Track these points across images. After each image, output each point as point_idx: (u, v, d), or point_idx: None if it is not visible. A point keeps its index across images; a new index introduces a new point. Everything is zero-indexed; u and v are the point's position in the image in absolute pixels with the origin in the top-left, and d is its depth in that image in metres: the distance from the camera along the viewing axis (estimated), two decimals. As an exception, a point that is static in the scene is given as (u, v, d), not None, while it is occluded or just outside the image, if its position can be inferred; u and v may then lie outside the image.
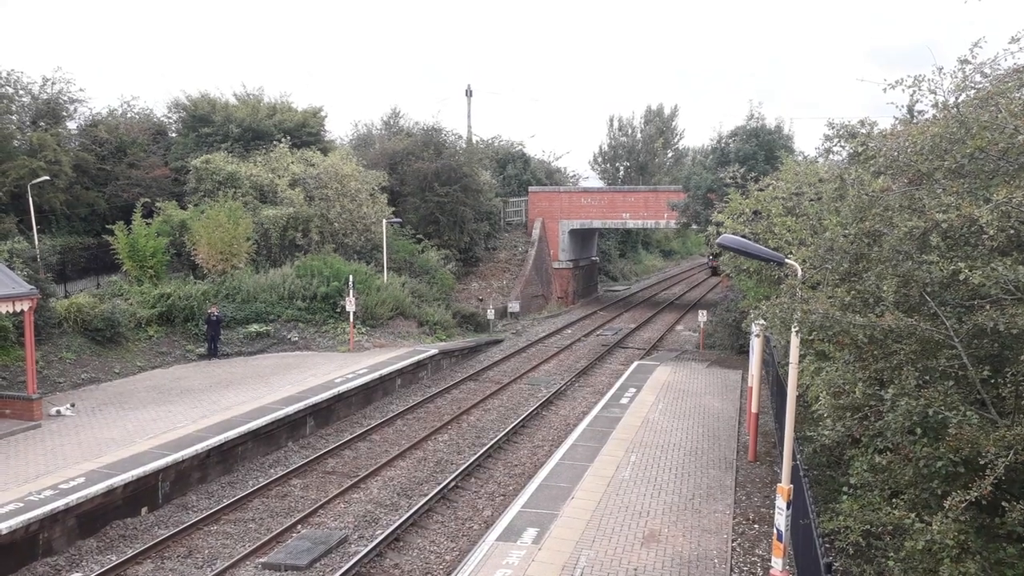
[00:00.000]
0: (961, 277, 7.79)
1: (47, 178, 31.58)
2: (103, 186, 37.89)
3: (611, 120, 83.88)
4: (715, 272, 53.19)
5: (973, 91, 10.32)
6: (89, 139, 38.96)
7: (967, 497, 7.06)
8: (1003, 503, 7.32)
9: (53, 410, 20.17)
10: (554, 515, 14.26)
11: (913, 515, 7.64)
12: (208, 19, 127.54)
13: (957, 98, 10.09)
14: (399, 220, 40.07)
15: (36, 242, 29.84)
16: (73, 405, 20.78)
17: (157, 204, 34.53)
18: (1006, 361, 8.22)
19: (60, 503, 14.12)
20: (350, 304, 29.48)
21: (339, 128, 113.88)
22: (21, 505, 13.95)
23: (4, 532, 13.02)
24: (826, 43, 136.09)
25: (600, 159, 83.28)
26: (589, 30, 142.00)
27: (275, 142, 40.59)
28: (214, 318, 28.05)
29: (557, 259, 50.69)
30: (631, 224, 51.40)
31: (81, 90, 38.22)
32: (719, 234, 15.99)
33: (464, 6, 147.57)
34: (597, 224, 51.40)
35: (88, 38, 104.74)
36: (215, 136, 41.83)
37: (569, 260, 51.82)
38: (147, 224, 31.61)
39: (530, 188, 52.86)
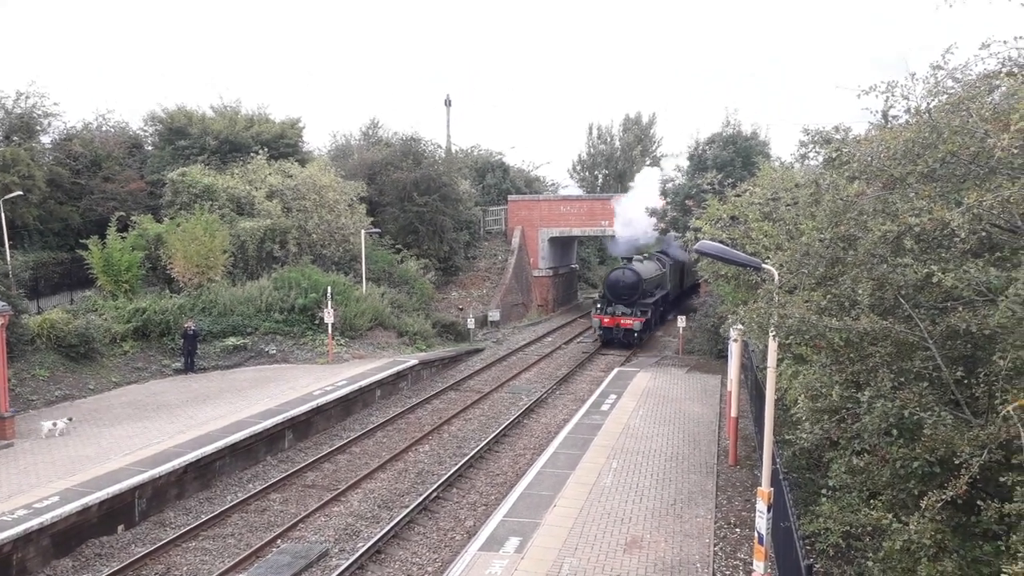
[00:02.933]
0: (934, 280, 7.87)
1: (20, 193, 31.21)
2: (77, 200, 37.50)
3: (590, 128, 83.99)
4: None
5: (945, 96, 10.46)
6: (63, 153, 38.55)
7: (943, 497, 7.11)
8: (978, 502, 7.38)
9: (46, 425, 19.49)
10: (536, 524, 14.22)
11: (891, 515, 7.69)
12: (187, 31, 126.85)
13: (929, 104, 10.22)
14: (378, 230, 39.94)
15: (8, 258, 29.46)
16: (71, 419, 20.20)
17: (132, 218, 34.18)
18: (979, 361, 8.32)
19: (34, 522, 13.88)
20: (328, 316, 29.33)
21: (317, 139, 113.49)
22: (-6, 525, 13.70)
23: (-24, 553, 12.77)
24: (826, 48, 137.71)
25: (579, 167, 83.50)
26: (569, 39, 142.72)
27: (252, 154, 40.37)
28: (191, 332, 27.78)
29: (537, 267, 50.76)
30: (610, 231, 51.58)
31: (55, 104, 37.89)
32: (697, 240, 16.11)
33: (442, 17, 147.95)
34: (576, 232, 51.53)
35: (61, 51, 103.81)
36: (192, 149, 41.57)
37: (549, 268, 51.92)
38: (122, 238, 31.27)
39: (509, 197, 52.92)
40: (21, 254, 32.13)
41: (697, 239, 16.81)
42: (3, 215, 29.96)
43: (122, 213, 33.61)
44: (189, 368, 27.76)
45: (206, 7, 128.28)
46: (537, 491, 16.04)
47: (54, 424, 19.42)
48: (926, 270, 8.14)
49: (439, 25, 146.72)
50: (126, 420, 21.13)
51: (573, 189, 74.75)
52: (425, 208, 42.80)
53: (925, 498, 7.24)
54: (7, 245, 30.13)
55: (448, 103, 57.90)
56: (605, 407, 23.55)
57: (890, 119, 13.23)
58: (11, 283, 26.26)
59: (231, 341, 29.52)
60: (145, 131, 45.77)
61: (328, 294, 29.81)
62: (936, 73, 10.62)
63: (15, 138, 35.05)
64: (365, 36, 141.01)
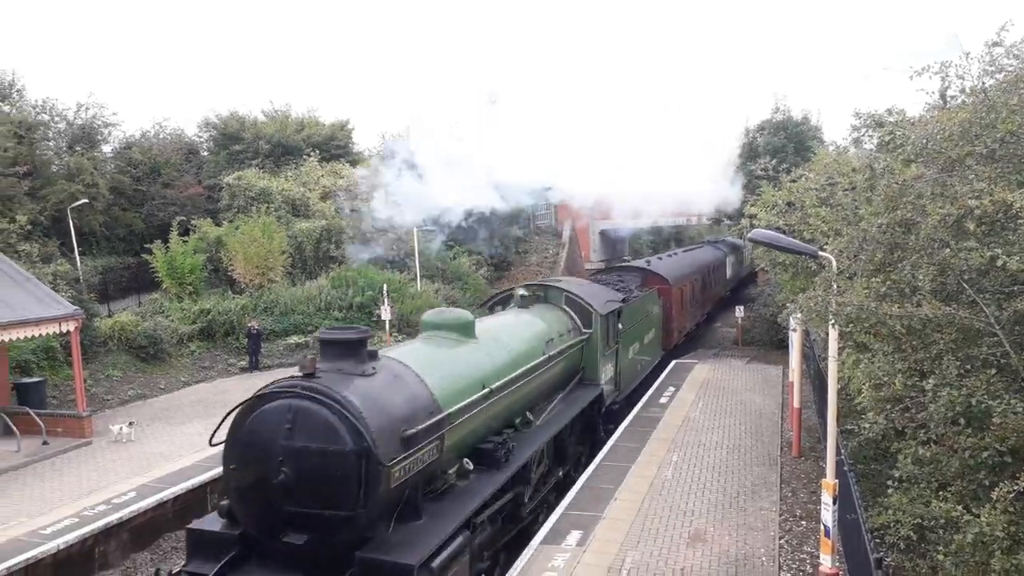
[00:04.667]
0: (999, 263, 7.68)
1: (85, 201, 32.37)
2: (139, 206, 38.76)
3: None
4: None
5: (1002, 74, 10.18)
6: (124, 161, 39.88)
7: (1015, 487, 6.96)
8: (1053, 491, 7.21)
9: (115, 429, 19.88)
10: (597, 517, 14.27)
11: (961, 507, 7.55)
12: (233, 37, 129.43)
13: (985, 83, 9.96)
14: (431, 228, 40.33)
15: (78, 264, 30.61)
16: (132, 423, 20.30)
17: (192, 222, 35.21)
18: (1050, 347, 8.11)
19: (113, 517, 14.49)
20: (385, 312, 29.75)
21: (367, 140, 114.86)
22: (77, 520, 14.35)
23: (63, 547, 13.39)
24: (860, 45, 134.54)
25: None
26: (612, 26, 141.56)
27: (304, 156, 41.13)
28: (254, 331, 28.49)
29: (589, 260, 50.59)
30: (662, 222, 51.09)
31: (114, 114, 39.34)
32: (752, 227, 15.92)
33: (482, 17, 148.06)
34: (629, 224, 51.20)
35: (115, 61, 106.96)
36: (246, 153, 42.56)
37: (601, 261, 51.69)
38: (184, 242, 32.23)
39: (559, 190, 52.83)
40: (90, 260, 33.38)
41: (752, 226, 16.62)
42: (71, 222, 31.11)
43: (183, 217, 34.63)
44: (254, 366, 28.48)
45: (251, 14, 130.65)
46: (597, 484, 16.08)
47: (120, 429, 19.96)
48: (990, 253, 7.95)
49: (480, 24, 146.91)
50: (196, 418, 21.82)
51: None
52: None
53: (996, 489, 7.10)
54: (76, 251, 31.29)
55: (493, 100, 57.95)
56: (664, 400, 23.43)
57: (948, 99, 12.92)
58: (83, 288, 27.30)
59: (293, 339, 30.17)
60: (200, 137, 47.05)
61: (384, 291, 30.26)
62: (992, 50, 10.33)
63: (78, 148, 36.33)
64: (410, 38, 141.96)
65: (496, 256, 44.73)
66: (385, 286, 30.72)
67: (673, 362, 29.60)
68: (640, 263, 33.69)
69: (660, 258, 37.37)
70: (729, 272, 47.78)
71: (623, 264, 37.47)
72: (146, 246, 32.32)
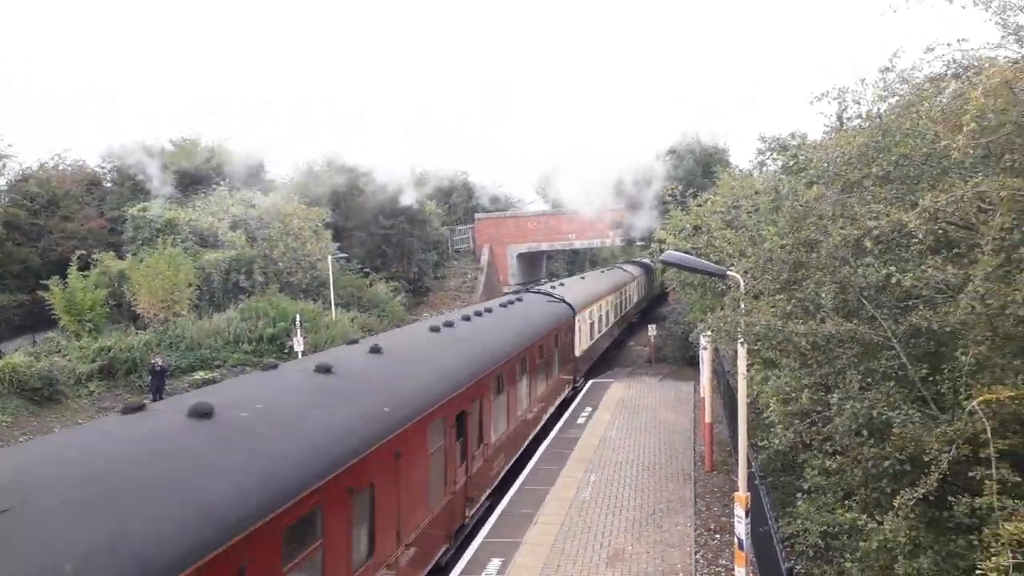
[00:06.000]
0: (894, 280, 8.02)
1: (-25, 236, 30.66)
2: (36, 241, 36.98)
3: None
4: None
5: (895, 98, 10.71)
6: (19, 194, 38.08)
7: (915, 494, 7.21)
8: (949, 497, 7.50)
9: None
10: (517, 543, 14.16)
11: (865, 516, 7.78)
12: (138, 63, 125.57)
13: (879, 108, 10.46)
14: (345, 255, 39.80)
15: (-33, 302, 28.87)
16: None
17: (94, 256, 33.72)
18: (943, 358, 8.47)
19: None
20: (298, 344, 29.04)
21: (280, 169, 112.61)
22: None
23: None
24: (779, 61, 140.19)
25: (544, 183, 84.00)
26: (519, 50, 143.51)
27: (214, 185, 40.08)
28: (158, 368, 27.32)
29: (507, 284, 50.85)
30: (578, 244, 51.87)
31: (9, 145, 37.49)
32: (662, 251, 16.26)
33: (395, 34, 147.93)
34: (545, 247, 51.82)
35: (11, 89, 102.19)
36: (151, 183, 41.19)
37: (519, 284, 52.01)
38: (84, 277, 30.80)
39: (476, 215, 53.07)
40: (-21, 298, 31.52)
41: (662, 250, 16.98)
42: (-41, 259, 29.41)
43: (83, 252, 33.17)
44: (158, 405, 27.28)
45: (157, 38, 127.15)
46: (517, 509, 15.98)
47: None
48: (886, 271, 8.29)
49: (395, 45, 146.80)
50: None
51: (539, 205, 75.09)
52: (391, 230, 42.79)
53: (898, 496, 7.34)
54: (-35, 289, 29.56)
55: (408, 127, 57.93)
56: (581, 420, 23.57)
57: (844, 122, 13.53)
58: (-30, 328, 25.71)
59: (200, 375, 29.09)
60: (103, 168, 45.31)
61: (297, 322, 29.56)
62: (885, 76, 10.87)
63: (-31, 181, 34.49)
64: (323, 68, 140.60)
65: (414, 281, 44.48)
66: (298, 316, 30.04)
67: (590, 382, 29.86)
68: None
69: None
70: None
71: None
72: (42, 282, 30.74)
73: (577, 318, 27.39)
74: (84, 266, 31.95)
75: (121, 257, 34.39)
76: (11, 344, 30.92)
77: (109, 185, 44.78)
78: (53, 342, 29.43)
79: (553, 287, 29.79)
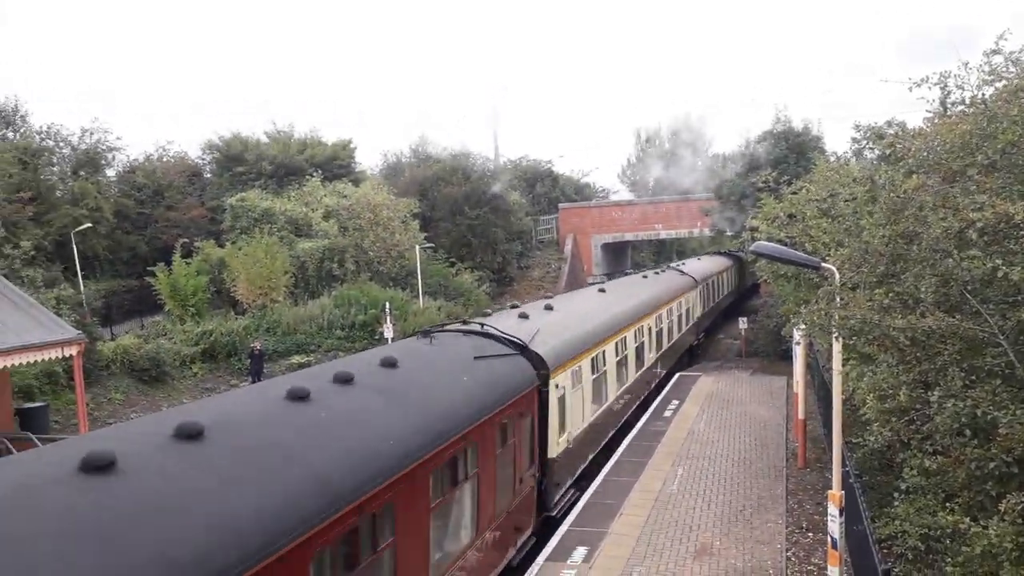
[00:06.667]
0: (1000, 274, 7.67)
1: (89, 225, 32.54)
2: (143, 229, 38.95)
3: (638, 132, 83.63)
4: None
5: (1002, 83, 10.20)
6: (128, 185, 40.16)
7: (1022, 498, 6.92)
8: (1061, 502, 7.16)
9: None
10: (603, 533, 14.18)
11: (968, 519, 7.50)
12: (236, 58, 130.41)
13: (985, 93, 9.98)
14: (432, 246, 40.46)
15: (81, 287, 30.69)
16: None
17: (196, 244, 35.36)
18: (1054, 356, 8.08)
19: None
20: (388, 331, 29.73)
21: (369, 159, 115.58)
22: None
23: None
24: (856, 37, 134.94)
25: (629, 172, 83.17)
26: (611, 44, 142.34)
27: (307, 176, 41.34)
28: (257, 352, 28.48)
29: (591, 274, 50.63)
30: (664, 235, 51.22)
31: (118, 138, 39.66)
32: (754, 240, 15.92)
33: (484, 29, 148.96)
34: (629, 237, 51.34)
35: (120, 85, 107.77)
36: (248, 174, 42.80)
37: (603, 274, 51.73)
38: (187, 264, 32.34)
39: (560, 205, 53.01)
40: (93, 283, 33.49)
41: (754, 239, 16.62)
42: (75, 247, 31.23)
43: (185, 240, 34.80)
44: (256, 388, 28.44)
45: (255, 35, 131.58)
46: (602, 500, 16.00)
47: None
48: (992, 264, 7.93)
49: (481, 38, 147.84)
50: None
51: (624, 194, 74.48)
52: (477, 221, 43.18)
53: (1004, 500, 7.05)
54: (80, 275, 31.39)
55: (495, 115, 58.34)
56: (668, 413, 23.35)
57: (948, 108, 12.95)
58: (85, 312, 27.35)
59: (296, 359, 30.17)
60: (203, 159, 47.35)
61: (387, 309, 30.26)
62: (991, 59, 10.35)
63: (82, 173, 36.58)
64: (406, 55, 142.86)
65: (498, 271, 44.80)
66: (388, 304, 30.74)
67: (677, 375, 29.52)
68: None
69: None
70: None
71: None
72: (149, 269, 32.45)
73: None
74: (187, 254, 33.54)
75: (221, 245, 35.91)
76: (122, 327, 32.74)
77: (208, 176, 46.73)
78: (159, 326, 31.05)
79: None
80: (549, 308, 18.23)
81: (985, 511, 7.72)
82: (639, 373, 22.53)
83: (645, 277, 30.56)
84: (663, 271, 33.73)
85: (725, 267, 45.82)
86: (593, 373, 17.28)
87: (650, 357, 24.16)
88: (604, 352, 18.38)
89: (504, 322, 15.08)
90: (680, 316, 30.09)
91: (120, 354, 25.97)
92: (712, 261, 44.79)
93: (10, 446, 19.71)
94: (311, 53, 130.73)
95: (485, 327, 13.96)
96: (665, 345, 26.67)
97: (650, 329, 24.07)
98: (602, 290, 24.47)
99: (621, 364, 20.20)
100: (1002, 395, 7.87)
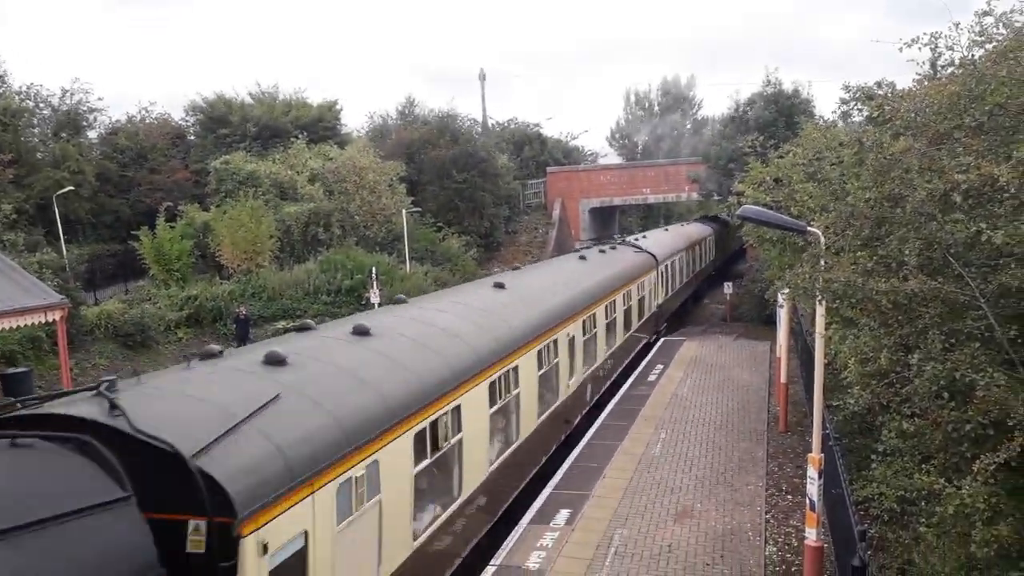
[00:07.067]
0: (983, 238, 7.64)
1: (71, 188, 32.11)
2: (126, 193, 38.48)
3: (627, 94, 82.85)
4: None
5: (992, 44, 10.08)
6: (110, 147, 39.58)
7: (996, 459, 6.96)
8: (1034, 463, 7.22)
9: None
10: (586, 495, 14.31)
11: (943, 480, 7.56)
12: (216, 15, 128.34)
13: (974, 54, 9.87)
14: (419, 209, 40.19)
15: (64, 252, 30.36)
16: None
17: (180, 207, 34.98)
18: (1034, 319, 8.09)
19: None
20: (374, 296, 29.61)
21: (355, 120, 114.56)
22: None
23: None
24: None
25: (618, 135, 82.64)
26: (600, 6, 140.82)
27: (292, 139, 40.85)
28: (243, 317, 28.34)
29: (579, 239, 50.52)
30: (652, 199, 51.09)
31: (99, 99, 38.98)
32: (740, 204, 15.85)
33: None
34: (617, 201, 51.18)
35: (100, 44, 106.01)
36: (233, 136, 42.25)
37: (590, 239, 51.64)
38: (171, 228, 32.02)
39: (548, 169, 52.69)
40: (76, 247, 33.15)
41: (740, 203, 16.55)
42: (57, 210, 30.83)
43: (169, 203, 34.41)
44: (242, 352, 28.35)
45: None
46: (586, 463, 16.11)
47: None
48: (975, 227, 7.90)
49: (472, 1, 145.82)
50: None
51: (612, 158, 74.14)
52: (464, 185, 42.88)
53: (978, 461, 7.10)
54: (62, 239, 31.04)
55: (482, 77, 57.77)
56: (652, 377, 23.47)
57: (939, 69, 12.82)
58: (68, 276, 27.08)
59: (281, 324, 30.01)
60: (187, 121, 46.66)
61: (373, 275, 30.12)
62: (982, 20, 10.22)
63: (63, 134, 36.01)
64: (398, 14, 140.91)
65: (486, 236, 44.58)
66: (374, 269, 30.59)
67: (662, 340, 29.64)
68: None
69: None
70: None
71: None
72: (133, 233, 32.12)
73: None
74: (171, 217, 33.19)
75: (205, 209, 35.56)
76: (105, 292, 32.49)
77: (192, 138, 46.10)
78: (144, 290, 30.84)
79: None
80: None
81: (960, 472, 7.78)
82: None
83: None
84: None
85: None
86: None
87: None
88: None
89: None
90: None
91: (104, 319, 25.78)
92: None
93: (-8, 410, 19.60)
94: (297, 10, 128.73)
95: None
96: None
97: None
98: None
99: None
100: (980, 358, 7.88)
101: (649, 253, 28.45)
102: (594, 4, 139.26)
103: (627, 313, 23.72)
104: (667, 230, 41.39)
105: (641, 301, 25.99)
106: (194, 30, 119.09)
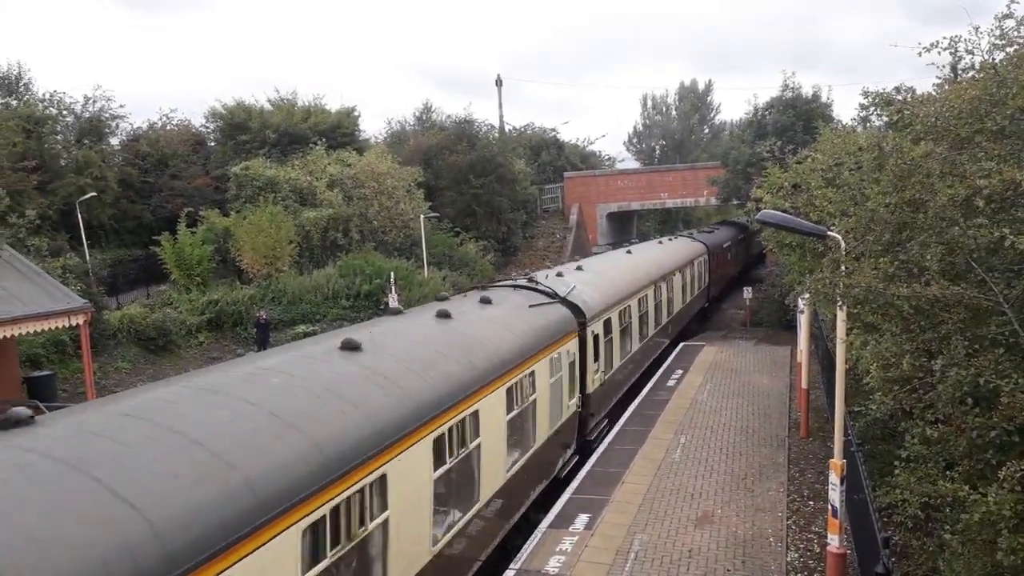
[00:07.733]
0: (1007, 243, 7.59)
1: (94, 194, 32.46)
2: (148, 199, 38.86)
3: (644, 99, 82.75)
4: None
5: (1013, 48, 10.02)
6: (132, 154, 39.96)
7: (1022, 466, 6.91)
8: (1061, 470, 7.15)
9: None
10: (605, 500, 14.29)
11: (968, 487, 7.50)
12: (234, 21, 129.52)
13: (995, 58, 9.81)
14: (436, 215, 40.32)
15: (87, 257, 30.72)
16: None
17: (200, 213, 35.30)
18: (1059, 325, 8.02)
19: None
20: (392, 300, 29.76)
21: (372, 126, 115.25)
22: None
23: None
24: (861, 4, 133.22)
25: (635, 140, 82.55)
26: (618, 11, 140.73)
27: (311, 145, 41.12)
28: (263, 321, 28.57)
29: (596, 243, 50.49)
30: (670, 204, 51.03)
31: (121, 106, 39.26)
32: (759, 210, 15.82)
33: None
34: (635, 206, 51.12)
35: (122, 53, 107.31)
36: (252, 143, 42.57)
37: (608, 244, 51.55)
38: (192, 233, 32.33)
39: (565, 174, 52.69)
40: (99, 252, 33.51)
41: (759, 209, 16.53)
42: (80, 216, 31.22)
43: (190, 209, 34.73)
44: (262, 357, 28.55)
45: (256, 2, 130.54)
46: (605, 468, 16.10)
47: None
48: (999, 233, 7.85)
49: (490, 6, 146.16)
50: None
51: (629, 163, 74.10)
52: (481, 190, 42.97)
53: (1004, 468, 7.05)
54: (85, 245, 31.41)
55: (499, 83, 57.82)
56: (671, 382, 23.42)
57: (959, 73, 12.74)
58: (91, 281, 27.42)
59: (301, 328, 30.26)
60: (207, 127, 47.04)
61: (391, 279, 30.26)
62: (1003, 23, 10.15)
63: (86, 141, 36.38)
64: (415, 21, 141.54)
65: (503, 241, 44.63)
66: (392, 274, 30.74)
67: (681, 344, 29.55)
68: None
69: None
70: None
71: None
72: (154, 238, 32.47)
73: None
74: (192, 223, 33.50)
75: (225, 214, 35.86)
76: (127, 296, 32.83)
77: (212, 145, 46.51)
78: (165, 295, 31.14)
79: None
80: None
81: (985, 479, 7.72)
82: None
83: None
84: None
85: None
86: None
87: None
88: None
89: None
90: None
91: (126, 323, 26.10)
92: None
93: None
94: (316, 18, 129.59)
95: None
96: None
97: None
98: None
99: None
100: (1005, 364, 7.83)
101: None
102: (606, 8, 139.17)
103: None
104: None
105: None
106: (212, 36, 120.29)
